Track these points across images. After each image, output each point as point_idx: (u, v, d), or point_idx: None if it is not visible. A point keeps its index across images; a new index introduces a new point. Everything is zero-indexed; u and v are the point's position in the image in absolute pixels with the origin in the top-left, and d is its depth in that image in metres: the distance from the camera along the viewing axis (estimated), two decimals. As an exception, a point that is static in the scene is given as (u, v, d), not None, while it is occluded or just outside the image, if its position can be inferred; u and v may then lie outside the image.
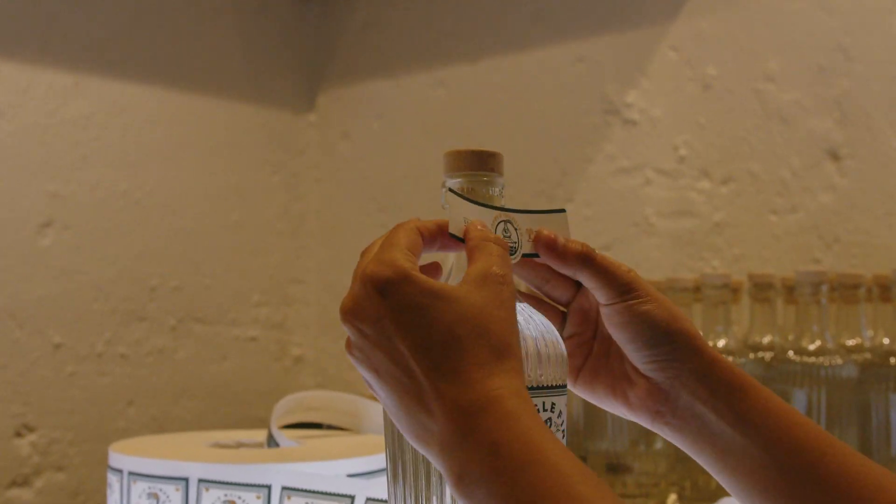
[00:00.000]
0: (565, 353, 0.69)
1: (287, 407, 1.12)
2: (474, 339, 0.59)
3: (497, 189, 0.69)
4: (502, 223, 0.68)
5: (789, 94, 1.52)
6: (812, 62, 1.51)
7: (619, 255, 1.41)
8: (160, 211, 1.82)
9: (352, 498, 0.81)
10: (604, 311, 0.70)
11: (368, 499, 0.80)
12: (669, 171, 1.62)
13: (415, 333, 0.59)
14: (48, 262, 1.68)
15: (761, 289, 1.23)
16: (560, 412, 0.66)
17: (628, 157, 1.66)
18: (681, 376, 0.68)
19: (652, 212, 1.62)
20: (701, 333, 0.70)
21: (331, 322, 2.03)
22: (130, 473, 0.94)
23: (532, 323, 0.67)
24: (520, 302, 0.69)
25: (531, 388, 0.65)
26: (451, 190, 0.68)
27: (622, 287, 0.68)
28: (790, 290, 1.25)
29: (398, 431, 0.65)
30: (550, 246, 0.69)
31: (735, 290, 1.25)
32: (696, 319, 1.29)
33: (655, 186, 1.63)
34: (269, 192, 2.00)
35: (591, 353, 0.73)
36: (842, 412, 1.09)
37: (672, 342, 0.68)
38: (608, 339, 0.72)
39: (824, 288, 1.12)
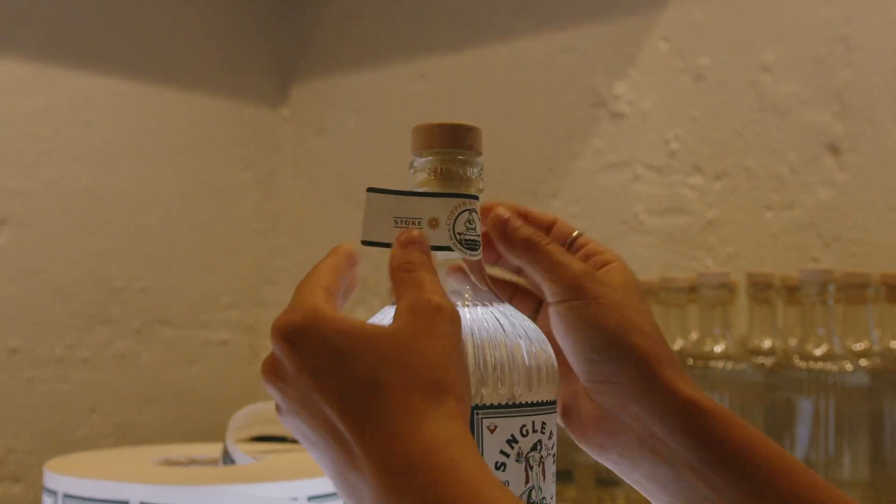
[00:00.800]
0: (556, 363, 0.59)
1: (245, 419, 1.03)
2: (400, 383, 0.50)
3: (475, 170, 0.60)
4: (466, 212, 0.59)
5: (786, 85, 1.45)
6: (810, 52, 1.43)
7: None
8: (126, 209, 1.73)
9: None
10: (549, 314, 0.59)
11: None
12: (660, 167, 1.54)
13: (333, 383, 0.50)
14: (4, 262, 1.59)
15: (760, 289, 1.15)
16: (551, 433, 0.57)
17: (617, 151, 1.58)
18: (627, 406, 0.57)
19: (642, 209, 1.55)
20: (671, 354, 0.58)
21: (305, 325, 1.94)
22: (66, 496, 0.84)
23: (518, 328, 0.58)
24: (500, 304, 0.59)
25: (519, 406, 0.56)
26: (371, 189, 0.59)
27: (567, 284, 0.58)
28: (791, 291, 1.18)
29: None
30: (499, 227, 0.60)
31: (731, 291, 1.17)
32: (691, 322, 1.21)
33: (645, 182, 1.55)
34: (242, 189, 1.91)
35: None
36: (852, 422, 1.01)
37: (618, 359, 0.57)
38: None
39: (831, 288, 1.04)
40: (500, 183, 1.65)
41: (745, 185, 1.47)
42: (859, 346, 1.07)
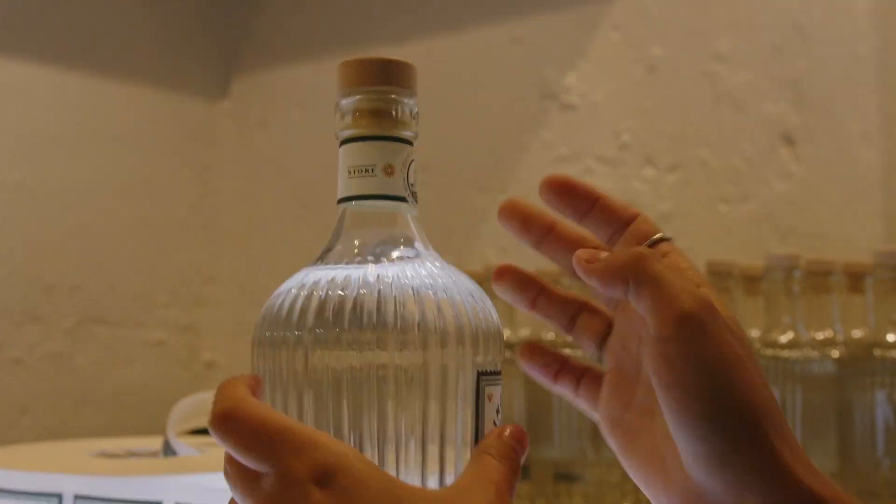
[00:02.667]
0: (501, 331, 0.53)
1: (187, 410, 0.98)
2: None
3: (408, 110, 0.53)
4: (413, 161, 0.53)
5: (741, 75, 1.42)
6: (766, 42, 1.41)
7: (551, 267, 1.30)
8: (58, 204, 1.67)
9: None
10: (644, 350, 0.49)
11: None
12: (611, 160, 1.51)
13: None
14: (-70, 257, 1.52)
15: (720, 277, 1.12)
16: (497, 408, 0.51)
17: (567, 144, 1.54)
18: (742, 494, 0.46)
19: (593, 203, 1.51)
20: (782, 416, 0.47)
21: (246, 325, 1.89)
22: (-6, 489, 0.79)
23: (462, 287, 0.51)
24: (436, 261, 0.53)
25: (499, 373, 0.52)
26: (344, 141, 0.53)
27: (674, 314, 0.46)
28: (751, 281, 1.14)
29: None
30: (591, 271, 0.49)
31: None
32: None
33: (596, 176, 1.51)
34: (179, 185, 1.85)
35: (632, 401, 0.53)
36: (820, 412, 0.98)
37: (732, 438, 0.46)
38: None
39: (797, 274, 1.00)
40: (447, 177, 1.61)
41: (700, 177, 1.44)
42: (823, 336, 1.04)
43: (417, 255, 0.52)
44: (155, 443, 1.02)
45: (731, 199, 1.42)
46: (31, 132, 1.64)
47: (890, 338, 0.96)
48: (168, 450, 0.92)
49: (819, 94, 1.37)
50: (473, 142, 1.64)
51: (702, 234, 1.42)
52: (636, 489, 1.09)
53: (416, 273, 0.50)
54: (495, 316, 0.53)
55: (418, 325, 0.48)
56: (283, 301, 0.50)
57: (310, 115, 1.83)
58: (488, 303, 0.53)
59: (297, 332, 0.49)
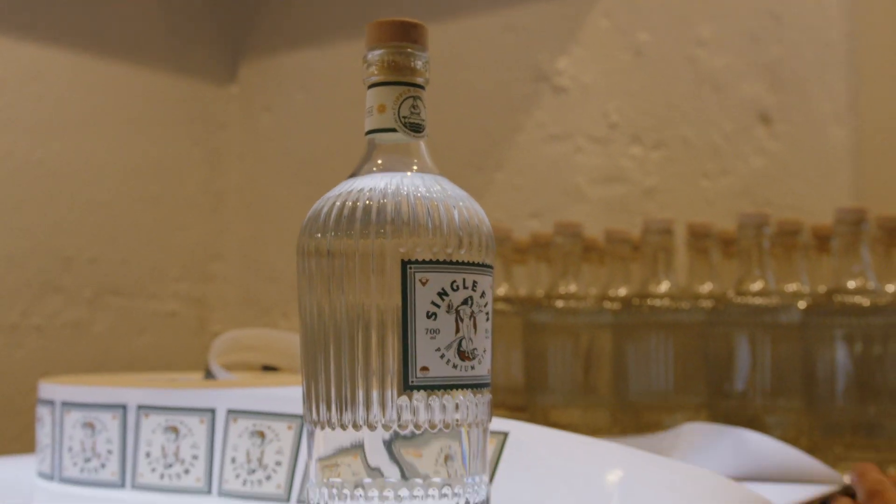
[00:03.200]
0: (492, 232, 0.66)
1: (223, 346, 1.07)
2: None
3: (420, 62, 0.67)
4: (410, 98, 0.66)
5: (721, 59, 1.52)
6: (744, 28, 1.51)
7: (550, 223, 1.39)
8: (76, 182, 1.76)
9: (300, 417, 0.77)
10: None
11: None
12: (600, 138, 1.60)
13: None
14: (-41, 229, 1.61)
15: (699, 238, 1.22)
16: (483, 293, 0.63)
17: (559, 124, 1.64)
18: None
19: (583, 179, 1.61)
20: None
21: (251, 299, 1.98)
22: (64, 403, 0.88)
23: (456, 197, 0.65)
24: (443, 178, 0.66)
25: (450, 263, 0.62)
26: (369, 86, 0.66)
27: None
28: (728, 244, 1.25)
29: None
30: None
31: (673, 236, 1.23)
32: (634, 272, 1.27)
33: (586, 154, 1.61)
34: (189, 166, 1.94)
35: None
36: (786, 357, 1.08)
37: None
38: None
39: (766, 230, 1.11)
40: (445, 156, 1.71)
41: (682, 154, 1.54)
42: (791, 288, 1.14)
43: (420, 173, 0.65)
44: (195, 375, 1.11)
45: (711, 174, 1.52)
46: (49, 114, 1.73)
47: (850, 285, 1.06)
48: (209, 377, 1.02)
49: (793, 77, 1.47)
50: (470, 123, 1.73)
51: (684, 207, 1.52)
52: (622, 431, 1.19)
53: (417, 184, 0.64)
54: (482, 218, 0.66)
55: (422, 223, 0.62)
56: (317, 210, 0.64)
57: (314, 98, 1.92)
58: (476, 206, 0.66)
59: (325, 233, 0.63)
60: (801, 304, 1.09)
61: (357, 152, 0.68)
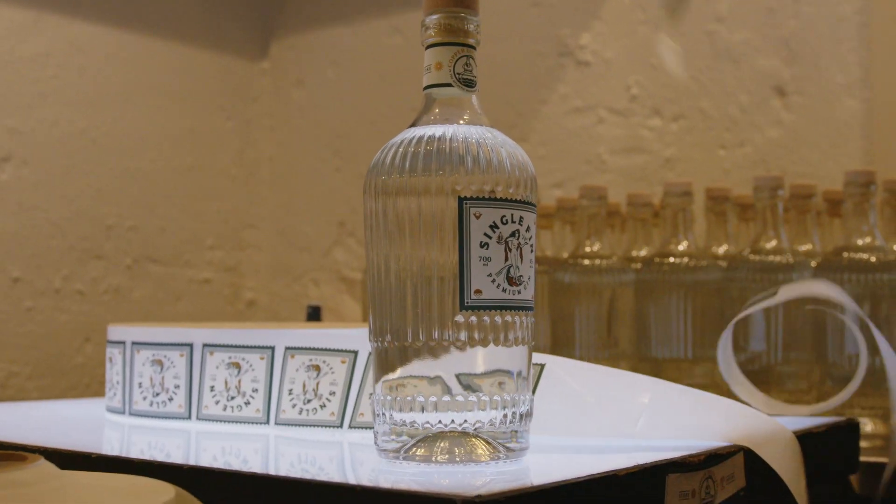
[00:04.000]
0: (535, 174, 0.73)
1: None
2: None
3: (472, 25, 0.75)
4: (464, 57, 0.74)
5: (739, 34, 1.58)
6: (761, 4, 1.57)
7: (573, 193, 1.46)
8: (116, 151, 1.83)
9: (355, 353, 0.84)
10: None
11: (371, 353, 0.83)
12: (622, 110, 1.67)
13: None
14: (6, 197, 1.68)
15: (717, 202, 1.28)
16: (528, 227, 0.71)
17: (582, 97, 1.71)
18: None
19: (604, 149, 1.68)
20: None
21: (283, 268, 2.05)
22: (134, 343, 0.96)
23: (504, 142, 0.73)
24: (493, 128, 0.74)
25: (500, 200, 0.70)
26: (427, 47, 0.73)
27: None
28: (744, 209, 1.31)
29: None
30: None
31: (692, 198, 1.30)
32: (656, 236, 1.34)
33: (608, 125, 1.68)
34: (223, 137, 2.02)
35: None
36: (799, 312, 1.15)
37: None
38: None
39: (781, 192, 1.17)
40: (472, 127, 1.77)
41: (701, 125, 1.61)
42: (805, 248, 1.21)
43: (472, 123, 0.74)
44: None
45: (728, 144, 1.58)
46: (92, 86, 1.80)
47: (859, 242, 1.13)
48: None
49: (808, 50, 1.53)
50: (496, 95, 1.80)
51: (702, 177, 1.58)
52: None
53: (471, 131, 0.73)
54: (527, 161, 0.74)
55: (476, 164, 0.70)
56: (381, 156, 0.73)
57: (343, 73, 1.99)
58: (522, 151, 0.74)
59: (390, 174, 0.71)
60: (813, 263, 1.16)
61: (385, 126, 0.76)
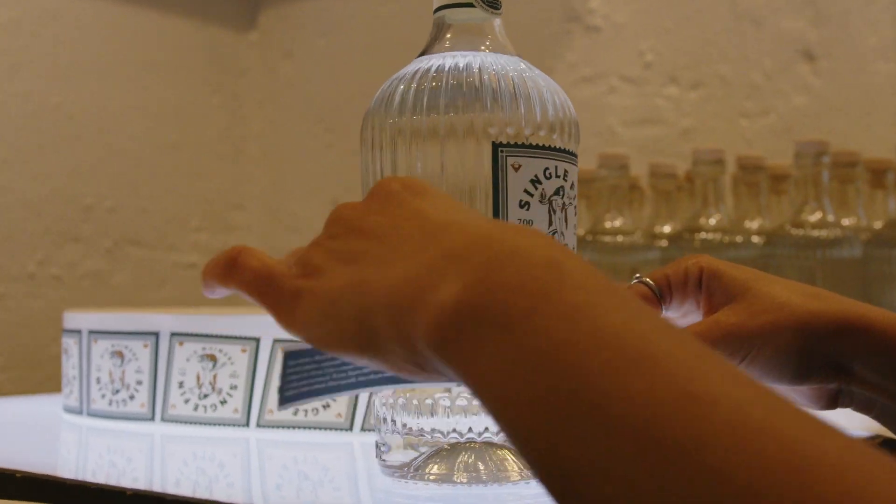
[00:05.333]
0: (577, 120, 0.60)
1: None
2: None
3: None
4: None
5: (761, -6, 1.47)
6: (785, -39, 1.46)
7: (583, 166, 1.35)
8: (94, 127, 1.72)
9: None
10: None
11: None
12: (635, 79, 1.56)
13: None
14: (-24, 174, 1.57)
15: (749, 172, 1.17)
16: (573, 184, 0.58)
17: (591, 65, 1.59)
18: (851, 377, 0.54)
19: (616, 121, 1.56)
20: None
21: (274, 250, 1.94)
22: (91, 332, 0.84)
23: (543, 78, 0.60)
24: (522, 60, 0.61)
25: (544, 148, 0.57)
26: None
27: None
28: (778, 180, 1.20)
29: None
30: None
31: (724, 167, 1.18)
32: (685, 206, 1.22)
33: (620, 94, 1.56)
34: (209, 113, 1.90)
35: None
36: (846, 294, 1.03)
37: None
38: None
39: (825, 159, 1.06)
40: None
41: (720, 93, 1.49)
42: (848, 222, 1.09)
43: (498, 52, 0.60)
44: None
45: (751, 113, 1.47)
46: (68, 58, 1.68)
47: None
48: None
49: (836, 10, 1.42)
50: (498, 66, 1.69)
51: (724, 147, 1.47)
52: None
53: (502, 62, 0.59)
54: (569, 102, 0.60)
55: (514, 102, 0.56)
56: (387, 92, 0.60)
57: (335, 44, 1.88)
58: (560, 88, 0.61)
59: (401, 114, 0.58)
60: (863, 237, 1.04)
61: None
